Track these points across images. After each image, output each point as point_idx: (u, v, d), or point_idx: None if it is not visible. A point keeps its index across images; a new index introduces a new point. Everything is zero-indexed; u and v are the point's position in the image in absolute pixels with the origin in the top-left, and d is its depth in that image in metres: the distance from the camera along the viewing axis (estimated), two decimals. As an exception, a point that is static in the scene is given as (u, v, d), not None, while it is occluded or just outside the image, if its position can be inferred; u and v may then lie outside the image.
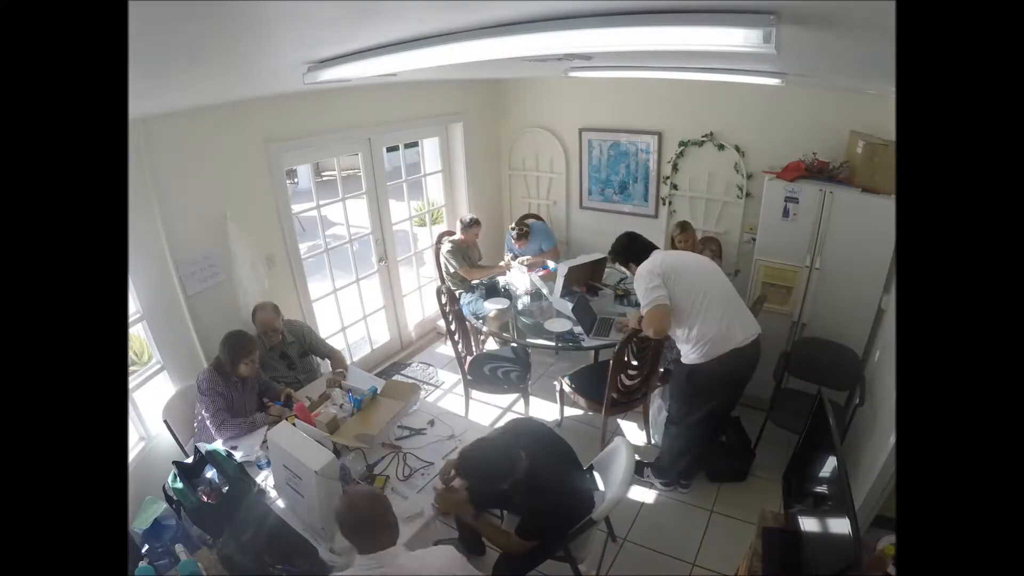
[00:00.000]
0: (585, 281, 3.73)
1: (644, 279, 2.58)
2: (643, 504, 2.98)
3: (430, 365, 4.44)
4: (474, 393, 3.57)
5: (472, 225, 4.13)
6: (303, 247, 3.62)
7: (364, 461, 2.34)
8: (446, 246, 4.16)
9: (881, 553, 1.86)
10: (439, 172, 4.76)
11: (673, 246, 3.86)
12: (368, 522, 1.52)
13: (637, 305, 3.58)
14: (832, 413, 1.91)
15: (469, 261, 4.21)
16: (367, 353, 4.37)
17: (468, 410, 3.57)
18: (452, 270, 4.16)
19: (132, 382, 2.71)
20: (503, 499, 2.12)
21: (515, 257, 4.49)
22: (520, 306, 3.65)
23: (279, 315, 2.97)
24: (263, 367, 2.82)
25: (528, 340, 3.35)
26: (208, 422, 2.51)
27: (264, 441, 2.46)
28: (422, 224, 5.25)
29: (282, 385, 2.85)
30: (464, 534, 2.46)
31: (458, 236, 4.20)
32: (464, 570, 1.61)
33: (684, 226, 3.76)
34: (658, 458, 3.05)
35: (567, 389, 3.34)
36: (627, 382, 3.04)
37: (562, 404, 3.60)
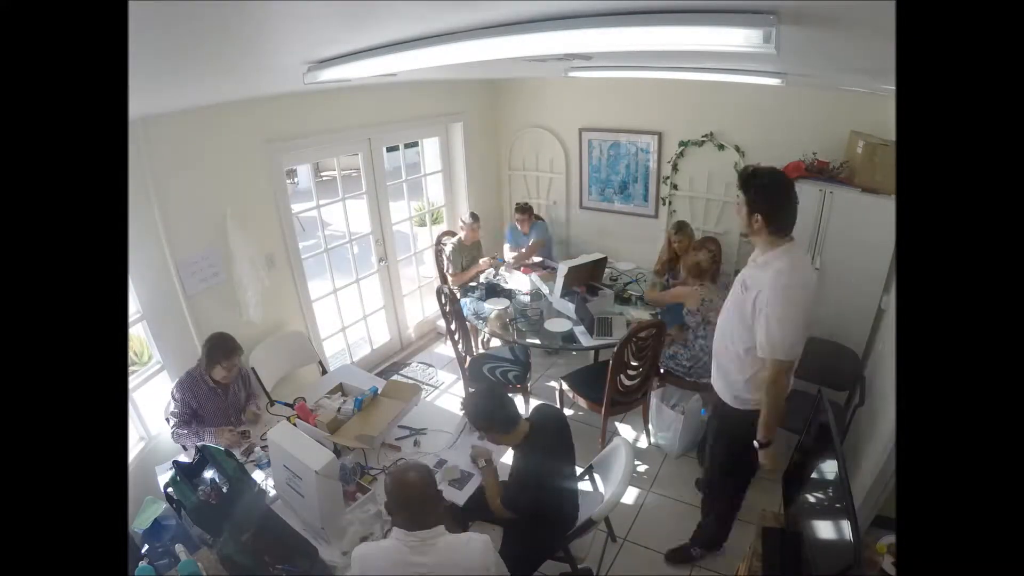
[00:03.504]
0: (585, 281, 3.73)
1: (793, 303, 1.82)
2: (643, 504, 2.98)
3: (430, 365, 4.44)
4: (474, 393, 3.57)
5: (471, 221, 4.13)
6: (303, 247, 3.62)
7: (378, 460, 2.37)
8: (449, 246, 4.16)
9: (874, 551, 1.86)
10: (439, 172, 4.76)
11: (669, 247, 3.86)
12: (417, 495, 1.52)
13: (635, 305, 3.61)
14: (832, 413, 1.91)
15: (467, 261, 4.20)
16: (367, 353, 4.37)
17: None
18: (451, 271, 4.14)
19: (132, 382, 2.71)
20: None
21: (512, 248, 4.49)
22: (520, 306, 3.65)
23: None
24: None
25: (527, 340, 3.35)
26: (169, 423, 2.51)
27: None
28: (422, 224, 5.25)
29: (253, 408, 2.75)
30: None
31: (460, 235, 4.19)
32: (497, 565, 1.62)
33: (681, 227, 3.77)
34: (706, 528, 2.58)
35: (566, 389, 3.34)
36: (627, 382, 3.04)
37: (561, 404, 3.60)
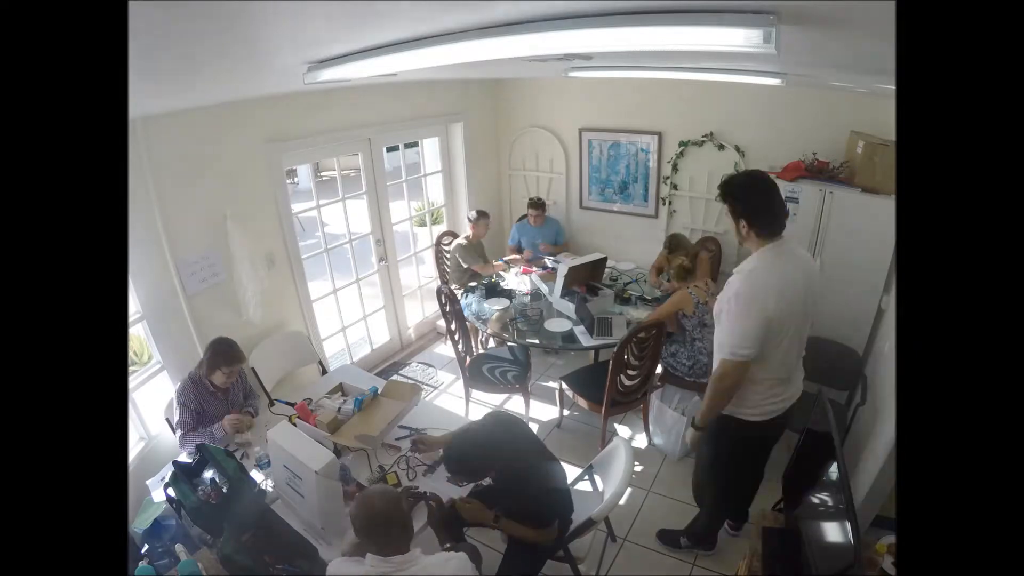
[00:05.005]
0: (585, 281, 3.73)
1: (745, 306, 1.82)
2: (643, 504, 2.98)
3: (430, 365, 4.44)
4: (474, 393, 3.57)
5: (480, 218, 4.17)
6: (303, 247, 3.62)
7: (376, 461, 2.36)
8: (460, 244, 4.17)
9: (873, 551, 1.86)
10: (439, 172, 4.76)
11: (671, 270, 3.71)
12: (383, 522, 1.49)
13: (635, 305, 3.61)
14: (833, 412, 1.91)
15: (482, 257, 4.25)
16: (367, 353, 4.37)
17: (468, 410, 3.58)
18: (466, 266, 4.16)
19: (132, 382, 2.71)
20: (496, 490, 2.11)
21: (519, 250, 4.50)
22: (520, 306, 3.65)
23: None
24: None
25: (527, 340, 3.35)
26: (175, 431, 2.51)
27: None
28: (422, 224, 5.25)
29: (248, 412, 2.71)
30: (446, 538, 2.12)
31: (468, 233, 4.22)
32: None
33: (674, 243, 3.66)
34: (698, 524, 2.62)
35: (565, 389, 3.34)
36: (627, 382, 3.04)
37: (561, 404, 3.60)
